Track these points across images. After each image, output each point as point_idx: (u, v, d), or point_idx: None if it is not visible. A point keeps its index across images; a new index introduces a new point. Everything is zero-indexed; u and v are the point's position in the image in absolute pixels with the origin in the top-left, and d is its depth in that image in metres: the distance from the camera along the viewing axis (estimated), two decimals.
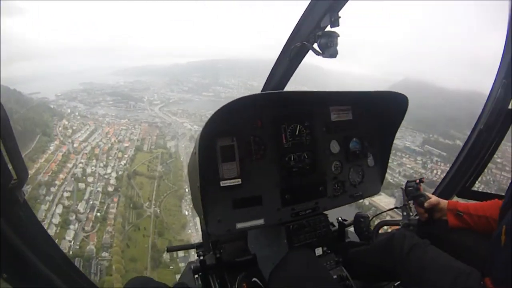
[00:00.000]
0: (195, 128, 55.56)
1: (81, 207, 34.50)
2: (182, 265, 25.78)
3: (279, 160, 1.95)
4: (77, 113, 59.37)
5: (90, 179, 39.77)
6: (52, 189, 35.55)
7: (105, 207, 35.81)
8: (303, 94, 2.03)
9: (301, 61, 2.19)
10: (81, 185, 38.11)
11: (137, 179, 42.61)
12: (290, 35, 2.03)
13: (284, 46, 2.11)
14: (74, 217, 32.65)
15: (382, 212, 2.54)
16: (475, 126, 2.64)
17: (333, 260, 2.03)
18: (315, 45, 1.80)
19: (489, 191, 3.16)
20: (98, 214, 34.37)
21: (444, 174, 3.00)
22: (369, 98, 2.24)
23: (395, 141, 2.32)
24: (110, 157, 45.80)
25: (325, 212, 2.16)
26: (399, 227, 2.15)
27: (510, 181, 1.53)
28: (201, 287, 1.96)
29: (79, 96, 68.39)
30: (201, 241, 2.19)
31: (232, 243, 2.24)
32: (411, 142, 41.85)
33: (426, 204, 1.90)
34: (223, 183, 1.77)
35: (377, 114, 2.27)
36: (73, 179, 39.00)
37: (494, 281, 1.28)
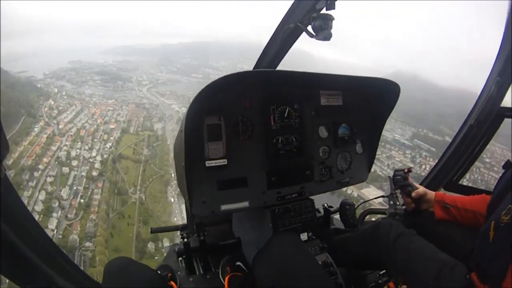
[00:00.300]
0: (183, 110, 54.36)
1: (64, 193, 34.18)
2: None
3: (266, 142, 1.92)
4: (64, 93, 58.23)
5: (74, 163, 39.23)
6: (36, 174, 35.10)
7: (89, 193, 35.60)
8: (293, 74, 1.91)
9: (293, 42, 2.16)
10: (65, 169, 37.63)
11: (123, 163, 42.04)
12: (284, 16, 2.00)
13: (277, 27, 2.09)
14: (57, 204, 32.42)
15: (368, 200, 2.61)
16: (466, 121, 2.67)
17: (317, 246, 2.01)
18: (309, 27, 1.77)
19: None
20: (82, 200, 34.14)
21: None
22: (360, 84, 2.22)
23: (384, 133, 2.09)
24: (96, 139, 45.01)
25: (311, 198, 2.13)
26: (385, 216, 2.18)
27: (498, 179, 1.55)
28: (185, 270, 2.02)
29: (67, 75, 66.94)
30: (186, 222, 2.27)
31: (217, 226, 2.33)
32: (401, 135, 42.10)
33: (413, 194, 1.89)
34: (208, 163, 1.73)
35: (368, 101, 2.28)
36: (57, 163, 38.43)
37: (481, 276, 1.28)
